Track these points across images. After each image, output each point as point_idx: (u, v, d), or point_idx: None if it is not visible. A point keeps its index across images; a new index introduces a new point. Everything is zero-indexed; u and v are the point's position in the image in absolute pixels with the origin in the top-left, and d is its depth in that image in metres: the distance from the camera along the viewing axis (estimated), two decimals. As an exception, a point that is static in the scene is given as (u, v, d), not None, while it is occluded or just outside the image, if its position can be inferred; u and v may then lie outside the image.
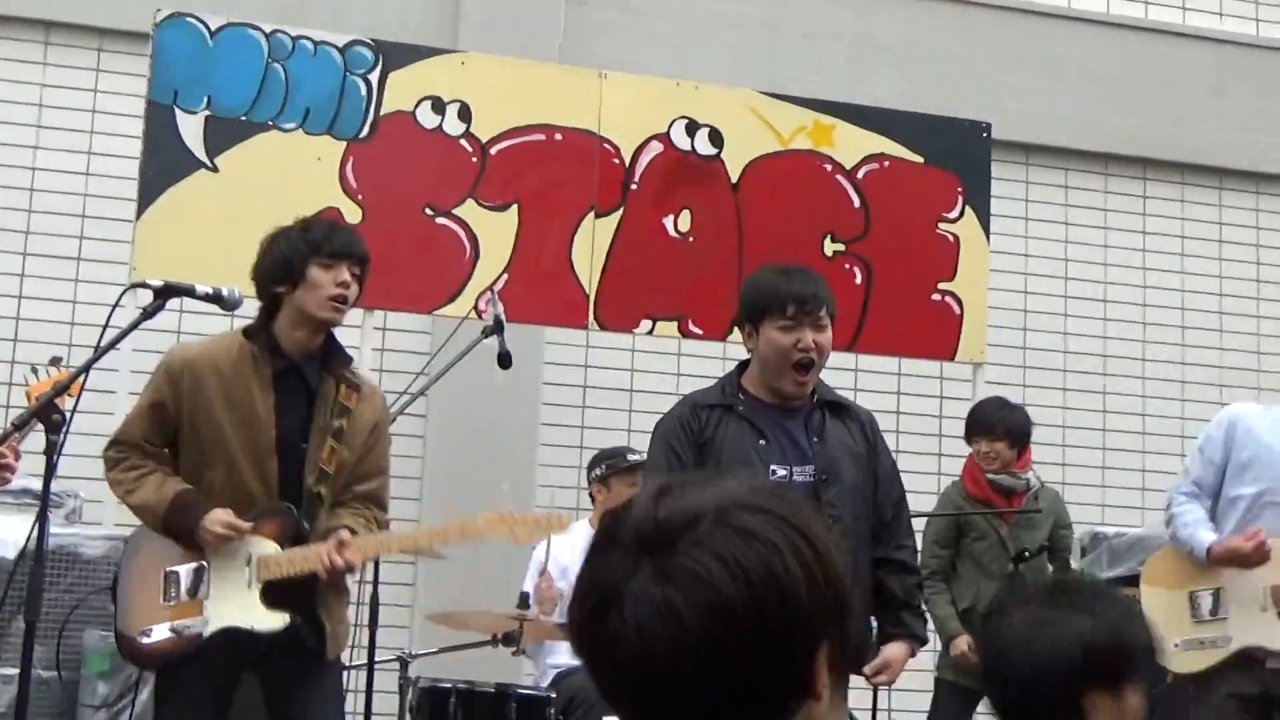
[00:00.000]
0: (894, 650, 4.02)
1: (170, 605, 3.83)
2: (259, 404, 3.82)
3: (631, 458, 5.61)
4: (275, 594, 3.82)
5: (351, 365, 4.03)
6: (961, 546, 5.90)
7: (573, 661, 5.27)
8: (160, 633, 3.80)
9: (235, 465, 3.81)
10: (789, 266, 4.24)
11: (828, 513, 3.87)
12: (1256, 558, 4.53)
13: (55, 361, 4.14)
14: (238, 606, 3.80)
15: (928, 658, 6.37)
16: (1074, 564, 6.10)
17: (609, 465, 5.63)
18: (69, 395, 3.66)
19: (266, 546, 3.82)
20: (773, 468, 3.92)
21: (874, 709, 5.56)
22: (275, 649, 3.85)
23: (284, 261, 3.87)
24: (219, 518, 3.76)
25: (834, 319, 4.03)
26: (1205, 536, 4.64)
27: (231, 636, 3.79)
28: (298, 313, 3.87)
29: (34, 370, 4.14)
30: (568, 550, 5.46)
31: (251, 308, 4.00)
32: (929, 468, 7.42)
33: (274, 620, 3.81)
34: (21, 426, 3.61)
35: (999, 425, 5.82)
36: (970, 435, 5.93)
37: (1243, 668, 4.55)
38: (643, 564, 1.27)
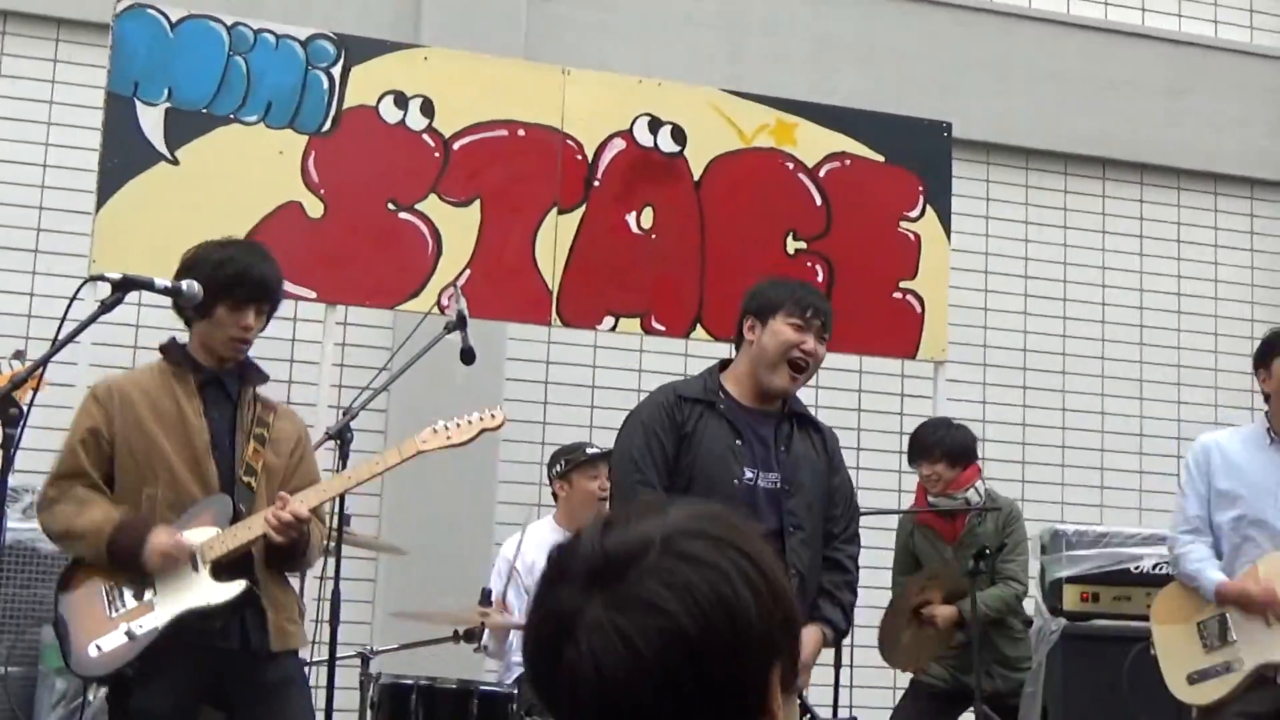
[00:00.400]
0: (805, 635, 4.04)
1: (119, 614, 3.80)
2: (187, 410, 3.90)
3: (590, 450, 5.61)
4: (225, 572, 3.83)
5: (266, 382, 4.11)
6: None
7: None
8: (113, 640, 3.77)
9: (174, 472, 3.86)
10: (807, 282, 4.59)
11: (789, 521, 3.97)
12: (1261, 604, 4.57)
13: (19, 355, 4.12)
14: (188, 591, 3.79)
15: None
16: (1033, 563, 6.12)
17: (568, 460, 5.62)
18: (30, 388, 3.63)
19: (205, 533, 3.84)
20: (744, 469, 4.00)
21: (835, 705, 5.59)
22: (231, 670, 3.84)
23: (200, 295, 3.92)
24: (162, 540, 3.75)
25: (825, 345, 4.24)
26: (1213, 575, 4.68)
27: (188, 624, 3.77)
28: (202, 340, 3.97)
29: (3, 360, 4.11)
30: (533, 548, 5.45)
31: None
32: (890, 465, 7.46)
33: (229, 590, 3.81)
34: (-23, 419, 3.57)
35: (936, 447, 5.83)
36: (911, 460, 5.94)
37: (1254, 688, 4.58)
38: (594, 595, 1.28)
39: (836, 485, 4.21)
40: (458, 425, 4.09)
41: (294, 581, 4.18)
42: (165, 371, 3.95)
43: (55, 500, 3.86)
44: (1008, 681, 5.80)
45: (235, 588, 3.82)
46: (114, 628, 3.77)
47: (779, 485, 4.03)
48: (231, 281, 3.90)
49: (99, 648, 3.76)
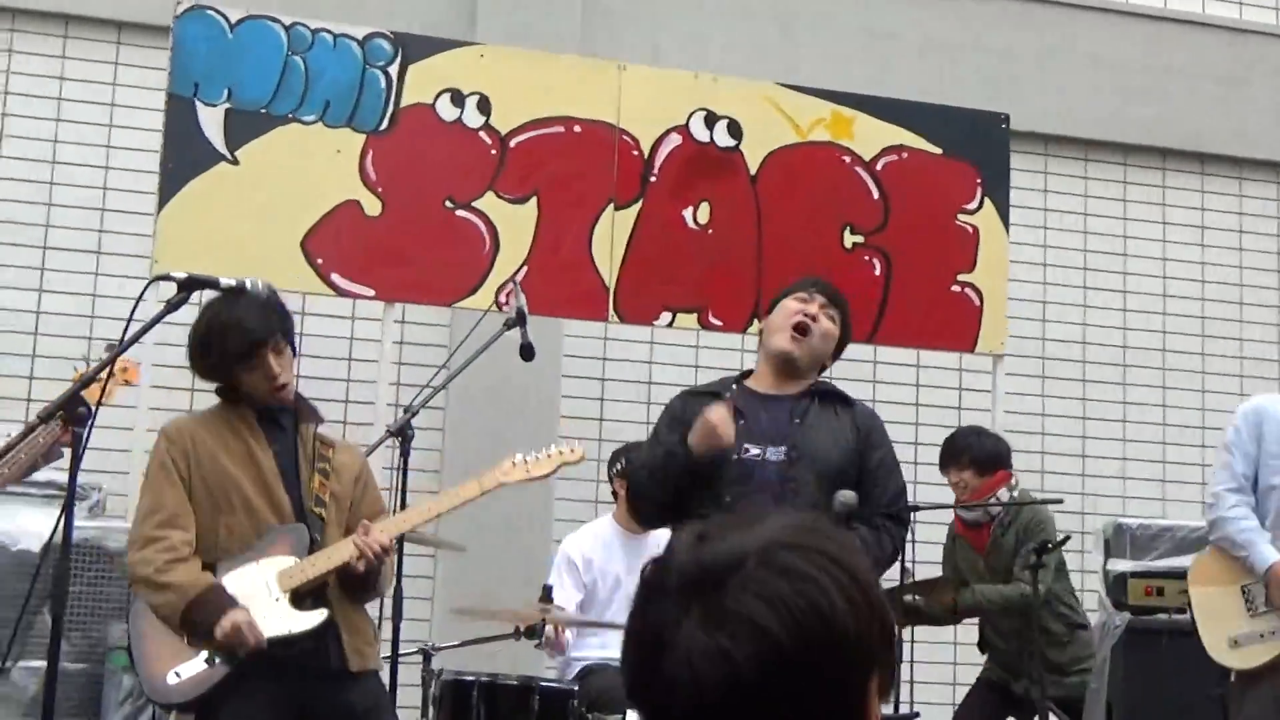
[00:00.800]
0: None
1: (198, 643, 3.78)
2: (252, 442, 3.92)
3: (652, 451, 5.61)
4: (304, 599, 3.83)
5: (322, 423, 4.12)
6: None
7: (596, 655, 5.27)
8: (193, 667, 3.73)
9: (249, 501, 3.86)
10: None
11: (788, 486, 3.89)
12: None
13: (110, 348, 4.15)
14: (270, 619, 3.77)
15: (948, 651, 6.38)
16: (1096, 557, 6.06)
17: (629, 458, 5.63)
18: (103, 385, 3.65)
19: (282, 562, 3.84)
20: (745, 446, 3.95)
21: (895, 701, 5.56)
22: (316, 693, 3.84)
23: (214, 372, 3.95)
24: (239, 618, 3.72)
25: (844, 338, 4.25)
26: (1267, 553, 4.56)
27: (270, 651, 3.76)
28: (249, 398, 3.96)
29: (85, 360, 4.15)
30: (590, 544, 5.46)
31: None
32: (948, 460, 7.40)
33: (311, 618, 3.80)
34: (47, 419, 3.61)
35: (964, 454, 5.76)
36: (941, 466, 5.88)
37: None
38: (692, 609, 1.29)
39: (875, 464, 4.09)
40: (537, 458, 4.15)
41: None
42: (224, 408, 3.98)
43: (151, 541, 3.80)
44: (1060, 688, 5.64)
45: (316, 617, 3.81)
46: (194, 654, 3.74)
47: (786, 455, 3.98)
48: (235, 351, 3.85)
49: (178, 674, 3.73)
